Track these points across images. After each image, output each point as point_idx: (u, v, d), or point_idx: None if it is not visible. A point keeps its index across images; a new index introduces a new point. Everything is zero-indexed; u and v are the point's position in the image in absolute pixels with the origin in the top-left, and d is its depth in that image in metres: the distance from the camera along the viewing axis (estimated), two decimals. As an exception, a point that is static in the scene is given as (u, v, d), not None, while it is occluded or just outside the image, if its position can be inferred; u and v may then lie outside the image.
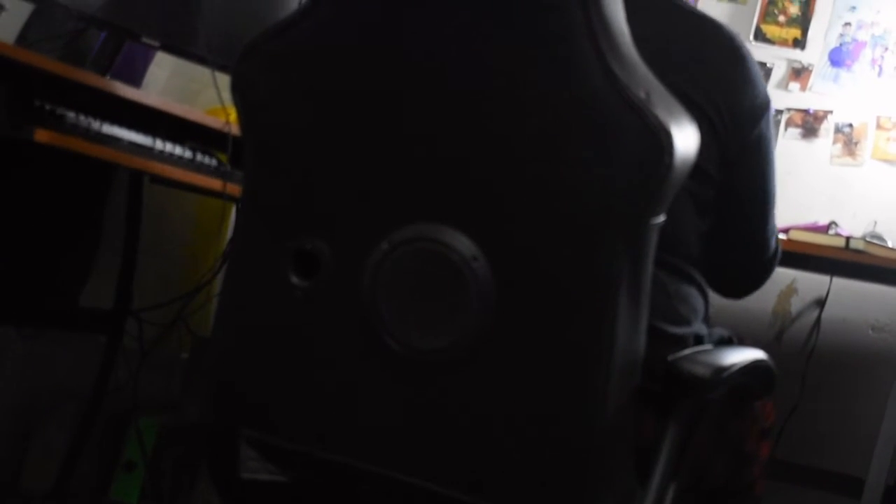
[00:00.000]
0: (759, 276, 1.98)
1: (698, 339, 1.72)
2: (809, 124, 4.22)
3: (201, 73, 2.92)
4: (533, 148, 1.36)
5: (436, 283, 1.40)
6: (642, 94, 1.31)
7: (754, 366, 1.69)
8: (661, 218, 1.37)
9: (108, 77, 2.65)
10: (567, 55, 1.34)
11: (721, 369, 1.54)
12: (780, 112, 4.26)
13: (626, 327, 1.36)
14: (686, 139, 1.33)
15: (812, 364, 4.01)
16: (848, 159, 4.16)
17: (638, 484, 1.48)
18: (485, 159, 1.39)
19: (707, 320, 1.80)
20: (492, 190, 1.38)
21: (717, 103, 1.69)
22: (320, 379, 1.49)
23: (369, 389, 1.46)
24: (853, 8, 4.16)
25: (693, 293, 1.74)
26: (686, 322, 1.70)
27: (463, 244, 1.37)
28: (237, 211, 1.59)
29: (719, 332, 1.83)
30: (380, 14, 1.46)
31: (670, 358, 1.54)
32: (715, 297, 1.89)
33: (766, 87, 1.80)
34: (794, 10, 4.24)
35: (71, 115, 2.27)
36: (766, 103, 1.78)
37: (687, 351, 1.64)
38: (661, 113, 1.30)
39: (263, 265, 1.52)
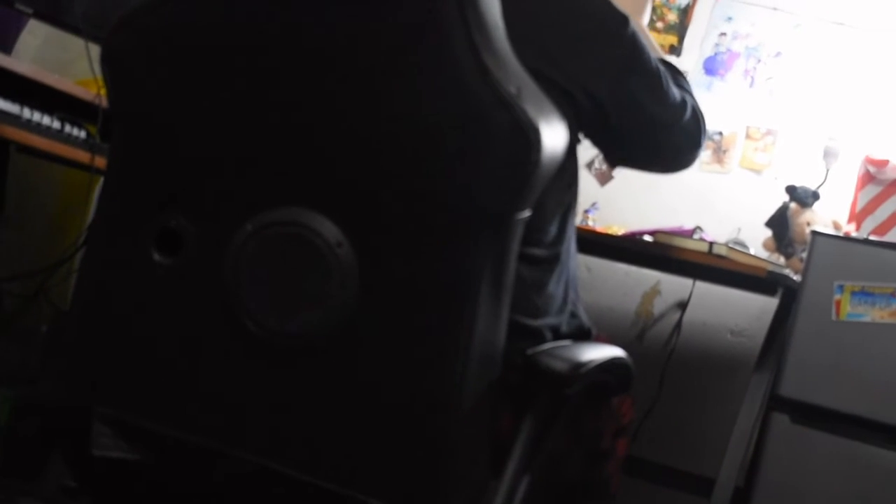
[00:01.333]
0: (689, 142, 1.95)
1: (555, 330, 1.74)
2: (681, 130, 4.29)
3: (74, 42, 2.87)
4: (401, 139, 1.36)
5: (299, 267, 1.39)
6: (513, 90, 1.32)
7: (612, 363, 1.71)
8: (527, 213, 1.38)
9: (-23, 42, 2.58)
10: (440, 48, 1.34)
11: (579, 365, 1.56)
12: (653, 116, 4.31)
13: (486, 320, 1.37)
14: (554, 135, 1.34)
15: (671, 365, 4.09)
16: (716, 166, 4.25)
17: (492, 475, 1.49)
18: (353, 147, 1.38)
19: (566, 303, 1.81)
20: (359, 177, 1.38)
21: (571, 73, 1.71)
22: (177, 358, 1.47)
23: (226, 370, 1.45)
24: (729, 18, 4.25)
25: (550, 280, 1.75)
26: (543, 313, 1.72)
27: (328, 229, 1.37)
28: (102, 183, 1.56)
29: (579, 320, 1.84)
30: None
31: (529, 352, 1.55)
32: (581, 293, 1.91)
33: (614, 9, 1.79)
34: (672, 17, 4.31)
35: (-65, 78, 2.21)
36: (619, 27, 1.78)
37: (546, 345, 1.66)
38: (530, 109, 1.31)
39: (125, 240, 1.50)
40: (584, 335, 1.86)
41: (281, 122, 1.42)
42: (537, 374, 1.53)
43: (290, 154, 1.41)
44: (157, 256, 1.46)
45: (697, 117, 1.91)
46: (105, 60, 1.51)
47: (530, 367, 1.53)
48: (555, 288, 1.76)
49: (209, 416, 1.46)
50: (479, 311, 1.34)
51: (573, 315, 1.83)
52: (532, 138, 1.30)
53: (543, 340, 1.70)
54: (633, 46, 1.78)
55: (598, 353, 1.66)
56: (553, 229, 1.75)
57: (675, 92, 1.85)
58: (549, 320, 1.73)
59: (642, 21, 2.16)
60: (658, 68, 1.83)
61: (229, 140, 1.45)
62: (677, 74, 1.97)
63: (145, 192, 1.50)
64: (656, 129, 1.85)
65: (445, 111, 1.34)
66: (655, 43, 2.18)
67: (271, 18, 1.43)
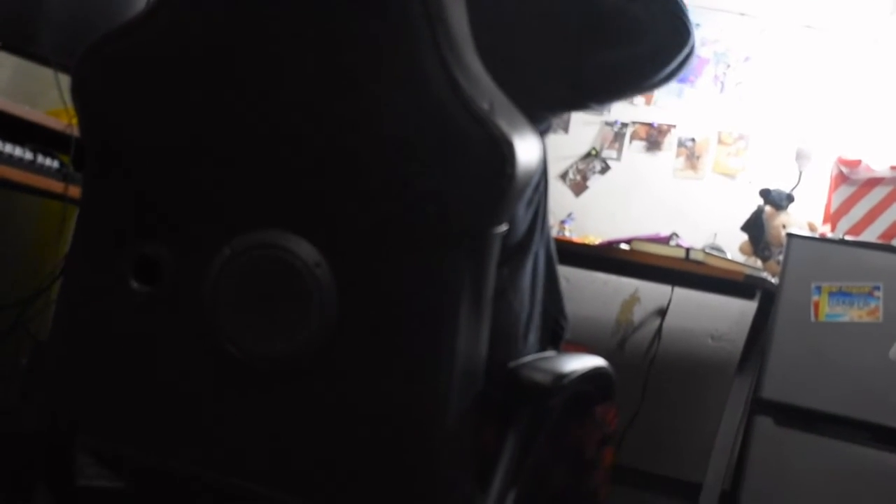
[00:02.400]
0: (672, 47, 1.85)
1: (529, 327, 1.73)
2: (654, 138, 4.31)
3: (44, 73, 2.86)
4: (375, 157, 1.36)
5: (278, 289, 1.39)
6: (486, 106, 1.32)
7: (594, 373, 1.71)
8: (504, 227, 1.38)
9: (-54, 75, 2.58)
10: (411, 65, 1.34)
11: (561, 376, 1.56)
12: (625, 125, 4.34)
13: (467, 334, 1.36)
14: (528, 149, 1.34)
15: (653, 371, 4.09)
16: (690, 172, 4.27)
17: (479, 489, 1.49)
18: (327, 167, 1.38)
19: (535, 301, 1.79)
20: (334, 197, 1.38)
21: (539, 69, 1.70)
22: (159, 385, 1.47)
23: (210, 396, 1.44)
24: (697, 25, 4.25)
25: (523, 275, 1.74)
26: (518, 319, 1.71)
27: (306, 250, 1.37)
28: (78, 213, 1.56)
29: (553, 315, 1.84)
30: (222, 19, 1.44)
31: (511, 365, 1.55)
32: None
33: None
34: (640, 25, 4.32)
35: None
36: None
37: (528, 357, 1.66)
38: (503, 124, 1.31)
39: (103, 269, 1.49)
40: (557, 332, 1.86)
41: (253, 144, 1.42)
42: (520, 387, 1.53)
43: (264, 176, 1.41)
44: (134, 284, 1.45)
45: (672, 19, 1.84)
46: (75, 91, 1.51)
47: (513, 380, 1.53)
48: (522, 280, 1.74)
49: (192, 441, 1.46)
50: (459, 326, 1.34)
51: (546, 311, 1.82)
52: (506, 152, 1.30)
53: (517, 342, 1.70)
54: (587, 10, 1.75)
55: (580, 363, 1.66)
56: (521, 229, 1.73)
57: (642, 13, 1.81)
58: (523, 319, 1.73)
59: None
60: (615, 7, 1.81)
61: (202, 165, 1.44)
62: None
63: (121, 221, 1.50)
64: (637, 66, 1.82)
65: (419, 129, 1.34)
66: None
67: (239, 42, 1.43)
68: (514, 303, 1.72)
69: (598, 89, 1.81)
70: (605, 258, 3.50)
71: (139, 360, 1.48)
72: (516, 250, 1.72)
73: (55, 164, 2.63)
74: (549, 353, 1.78)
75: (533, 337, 1.77)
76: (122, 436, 1.50)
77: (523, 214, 1.71)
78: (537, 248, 1.79)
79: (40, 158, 2.59)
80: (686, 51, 1.85)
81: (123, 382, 1.49)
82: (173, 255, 1.44)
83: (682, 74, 1.90)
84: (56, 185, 2.62)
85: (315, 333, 1.37)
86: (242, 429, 1.43)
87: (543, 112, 1.73)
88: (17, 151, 2.52)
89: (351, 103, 1.38)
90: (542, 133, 1.74)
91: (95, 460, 1.53)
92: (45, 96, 3.11)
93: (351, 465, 1.39)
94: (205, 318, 1.42)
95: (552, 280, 1.87)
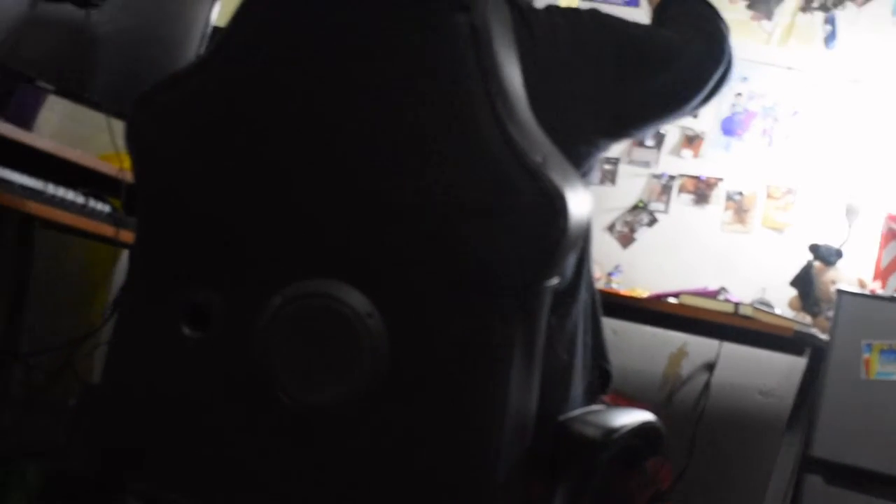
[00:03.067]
0: (705, 69, 1.85)
1: (575, 376, 1.72)
2: (701, 191, 4.30)
3: (94, 117, 2.88)
4: (429, 210, 1.36)
5: (329, 338, 1.39)
6: (539, 159, 1.32)
7: (644, 427, 1.70)
8: (555, 280, 1.38)
9: (0, 120, 2.60)
10: (465, 120, 1.35)
11: (611, 431, 1.55)
12: (672, 178, 4.33)
13: (518, 387, 1.36)
14: (580, 203, 1.34)
15: (701, 427, 4.05)
16: (738, 226, 4.24)
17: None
18: (381, 218, 1.39)
19: (577, 344, 1.78)
20: (388, 248, 1.38)
21: (584, 120, 1.71)
22: (210, 432, 1.47)
23: (260, 443, 1.44)
24: (745, 79, 4.25)
25: (569, 323, 1.72)
26: (565, 369, 1.70)
27: (357, 301, 1.37)
28: (129, 258, 1.56)
29: (599, 363, 1.82)
30: (274, 70, 1.45)
31: (561, 419, 1.54)
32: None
33: (581, 15, 1.76)
34: (688, 78, 4.31)
35: (-40, 157, 2.23)
36: (597, 26, 1.75)
37: (577, 411, 1.65)
38: (556, 177, 1.31)
39: (154, 315, 1.50)
40: (602, 381, 1.84)
41: (308, 194, 1.42)
42: (569, 442, 1.51)
43: (317, 226, 1.42)
44: (185, 331, 1.46)
45: (707, 38, 1.85)
46: (129, 137, 1.52)
47: (562, 434, 1.52)
48: (571, 325, 1.73)
49: (241, 489, 1.45)
50: (511, 379, 1.33)
51: (591, 359, 1.81)
52: (558, 206, 1.30)
53: (565, 392, 1.68)
54: (620, 43, 1.75)
55: (630, 418, 1.64)
56: (567, 276, 1.73)
57: (675, 36, 1.83)
58: (569, 369, 1.71)
59: None
60: (646, 33, 1.82)
61: (255, 214, 1.45)
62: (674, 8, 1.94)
63: (172, 267, 1.50)
64: (674, 89, 1.81)
65: (473, 182, 1.34)
66: None
67: (292, 94, 1.44)
68: (561, 353, 1.71)
69: (637, 116, 1.80)
70: (653, 311, 3.48)
71: (189, 405, 1.48)
72: (562, 299, 1.71)
73: (106, 208, 2.65)
74: (598, 406, 1.76)
75: (579, 387, 1.76)
76: (170, 482, 1.50)
77: (568, 261, 1.70)
78: (581, 296, 1.78)
79: (91, 202, 2.61)
80: (722, 68, 1.84)
81: (174, 429, 1.49)
82: (225, 302, 1.44)
83: (720, 92, 1.88)
84: (107, 229, 2.63)
85: (366, 383, 1.37)
86: (291, 477, 1.43)
87: (586, 146, 1.72)
88: (69, 195, 2.54)
89: (405, 157, 1.38)
90: (585, 175, 1.73)
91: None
92: (95, 140, 3.14)
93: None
94: (255, 365, 1.42)
95: (596, 327, 1.86)
